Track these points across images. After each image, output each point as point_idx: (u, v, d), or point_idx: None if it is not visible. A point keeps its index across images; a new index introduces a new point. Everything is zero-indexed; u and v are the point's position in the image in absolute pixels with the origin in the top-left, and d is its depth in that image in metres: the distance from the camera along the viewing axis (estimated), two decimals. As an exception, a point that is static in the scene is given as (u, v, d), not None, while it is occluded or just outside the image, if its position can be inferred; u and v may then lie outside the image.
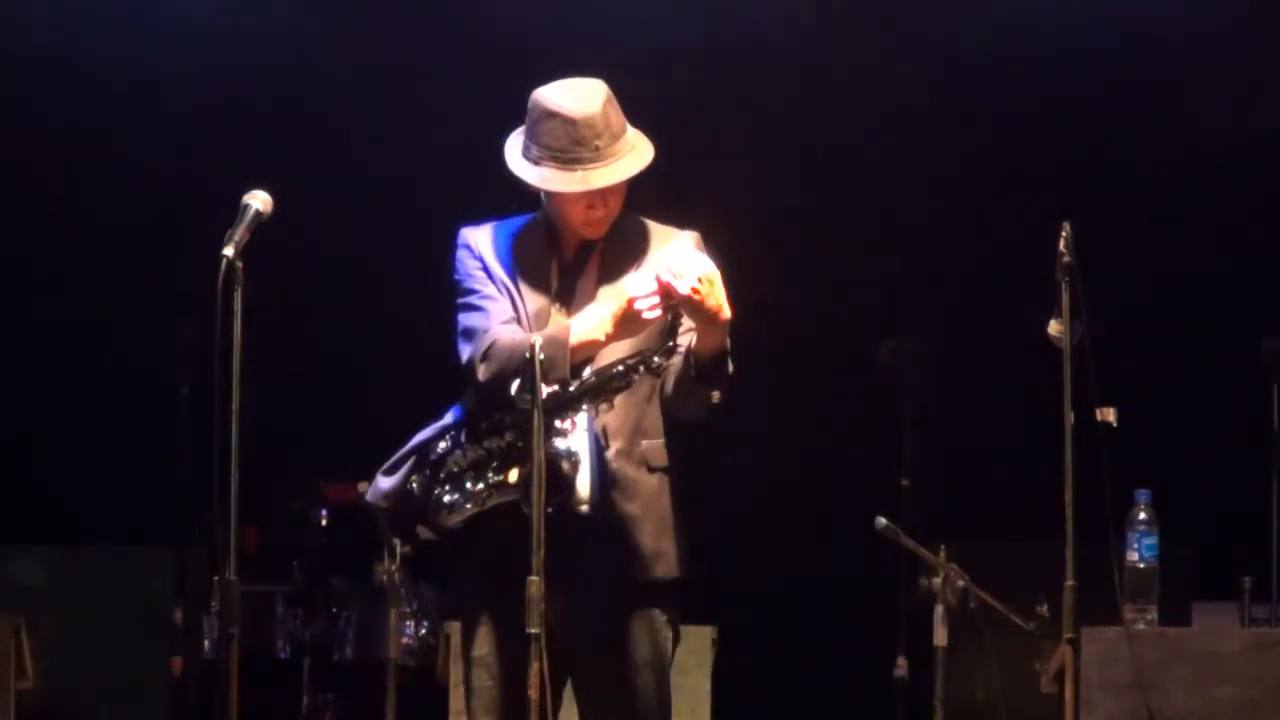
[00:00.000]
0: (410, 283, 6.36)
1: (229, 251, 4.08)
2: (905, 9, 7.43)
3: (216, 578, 4.08)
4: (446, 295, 4.42)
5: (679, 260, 4.11)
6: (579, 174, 4.24)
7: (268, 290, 4.28)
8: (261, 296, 4.13)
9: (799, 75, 7.39)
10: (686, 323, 4.22)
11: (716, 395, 4.22)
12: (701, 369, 4.19)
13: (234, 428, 4.03)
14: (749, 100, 7.42)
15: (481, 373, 4.24)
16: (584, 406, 4.17)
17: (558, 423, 4.10)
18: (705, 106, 7.32)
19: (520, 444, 4.16)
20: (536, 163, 4.28)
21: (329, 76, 7.46)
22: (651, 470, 4.31)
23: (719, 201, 5.35)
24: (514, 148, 4.34)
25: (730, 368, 4.23)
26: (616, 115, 4.30)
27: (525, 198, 4.37)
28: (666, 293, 4.09)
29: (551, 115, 4.25)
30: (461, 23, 7.46)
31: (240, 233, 4.13)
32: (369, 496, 4.34)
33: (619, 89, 4.35)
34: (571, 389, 4.15)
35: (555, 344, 4.12)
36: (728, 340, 4.20)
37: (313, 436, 7.42)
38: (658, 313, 4.13)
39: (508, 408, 4.17)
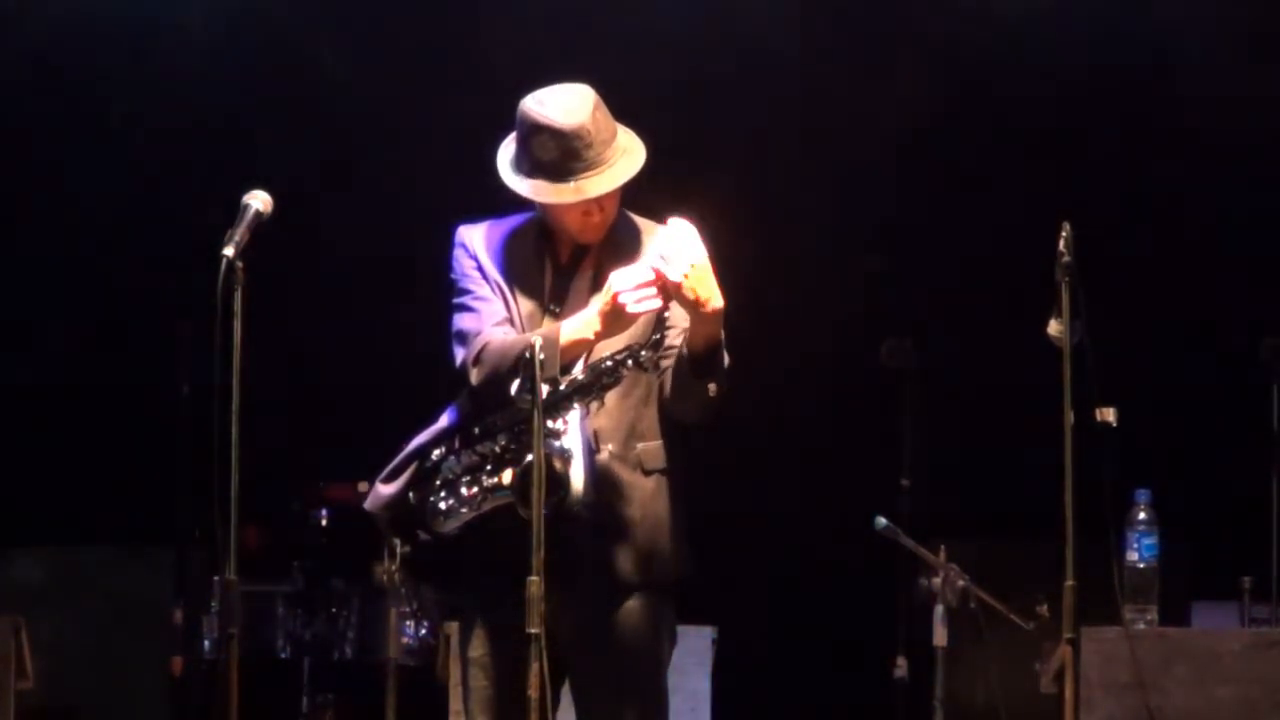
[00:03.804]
0: (410, 282, 6.37)
1: (229, 251, 4.09)
2: (906, 8, 7.43)
3: (216, 578, 4.08)
4: (445, 294, 4.42)
5: (670, 247, 4.10)
6: (572, 185, 4.23)
7: (268, 290, 4.28)
8: (261, 296, 4.13)
9: (799, 74, 7.39)
10: (677, 319, 4.22)
11: (714, 388, 4.21)
12: (696, 360, 4.18)
13: (234, 428, 4.03)
14: (748, 99, 7.42)
15: (474, 376, 4.24)
16: (575, 404, 4.16)
17: (550, 422, 4.09)
18: (704, 105, 7.33)
19: (513, 446, 4.17)
20: (529, 175, 4.26)
21: (329, 76, 7.46)
22: (648, 473, 4.30)
23: (717, 201, 5.35)
24: (505, 158, 4.32)
25: (726, 360, 4.22)
26: (606, 121, 4.28)
27: (521, 198, 4.36)
28: (660, 280, 4.08)
29: (541, 129, 4.23)
30: (461, 21, 7.46)
31: (240, 233, 4.13)
32: (368, 505, 4.34)
33: (617, 88, 4.35)
34: (562, 387, 4.14)
35: (547, 343, 4.11)
36: (721, 331, 4.19)
37: (313, 436, 7.42)
38: (644, 306, 4.11)
39: (501, 410, 4.18)
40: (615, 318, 4.15)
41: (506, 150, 4.33)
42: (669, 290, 4.09)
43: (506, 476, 4.16)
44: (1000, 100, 7.36)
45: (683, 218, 4.18)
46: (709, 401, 4.22)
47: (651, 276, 4.10)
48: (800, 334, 7.30)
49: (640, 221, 4.38)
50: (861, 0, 7.44)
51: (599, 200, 4.26)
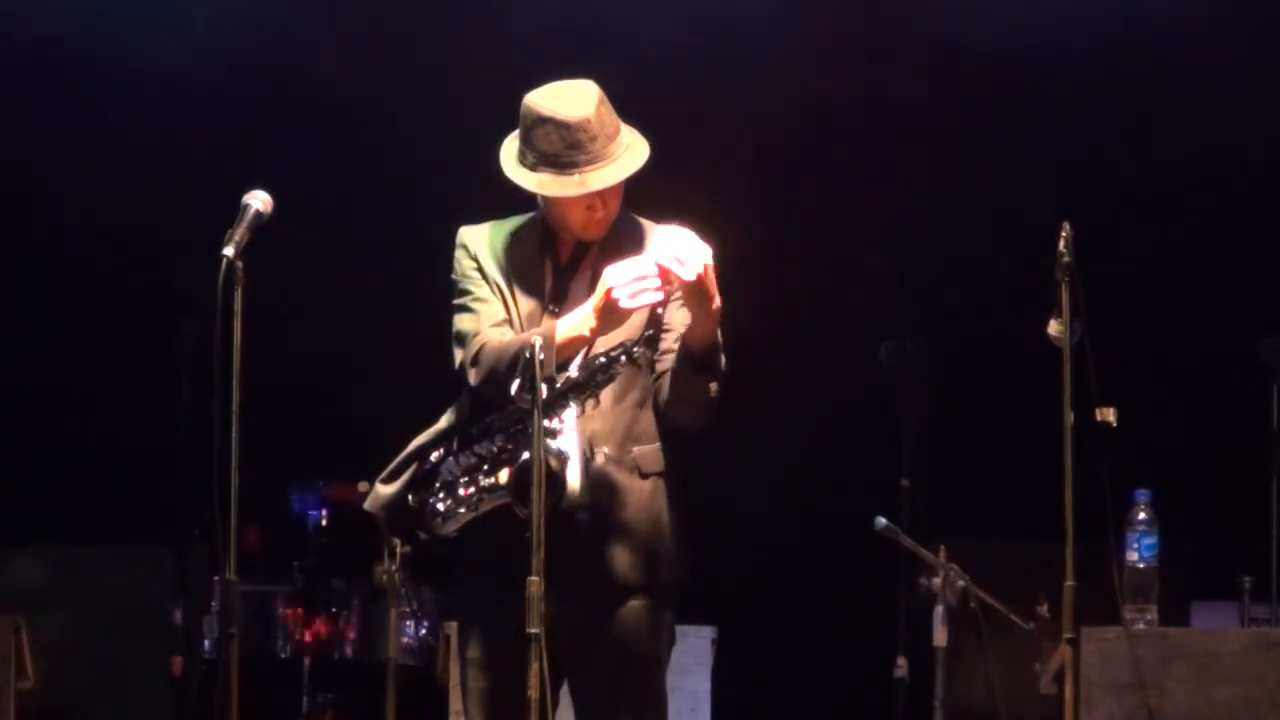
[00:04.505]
0: (410, 282, 6.37)
1: (229, 251, 4.09)
2: (906, 7, 7.43)
3: (216, 578, 4.08)
4: (446, 294, 4.42)
5: (681, 246, 4.09)
6: (576, 177, 4.23)
7: (268, 290, 4.28)
8: (262, 296, 4.13)
9: (799, 74, 7.39)
10: (674, 323, 4.22)
11: (714, 387, 4.21)
12: (696, 359, 4.18)
13: (234, 428, 4.03)
14: (748, 99, 7.42)
15: (473, 377, 4.24)
16: (570, 402, 4.16)
17: (546, 422, 4.08)
18: (705, 105, 7.32)
19: (510, 446, 4.17)
20: (533, 168, 4.26)
21: (329, 76, 7.47)
22: (644, 476, 4.30)
23: (718, 201, 5.35)
24: (509, 153, 4.32)
25: (723, 361, 4.22)
26: (610, 115, 4.29)
27: (523, 197, 4.36)
28: (665, 278, 4.07)
29: (544, 121, 4.23)
30: (462, 22, 7.46)
31: (240, 233, 4.13)
32: (367, 506, 4.34)
33: (619, 87, 4.35)
34: (558, 385, 4.14)
35: (544, 342, 4.10)
36: (719, 329, 4.19)
37: (313, 436, 7.42)
38: (638, 301, 4.10)
39: (498, 411, 4.18)
40: (609, 313, 4.14)
41: (510, 145, 4.33)
42: (675, 285, 4.08)
43: (503, 476, 4.17)
44: (1000, 100, 7.36)
45: (680, 226, 4.18)
46: (709, 401, 4.22)
47: (644, 271, 4.09)
48: (800, 334, 7.30)
49: (642, 221, 4.38)
50: (863, 0, 7.44)
51: (602, 195, 4.26)
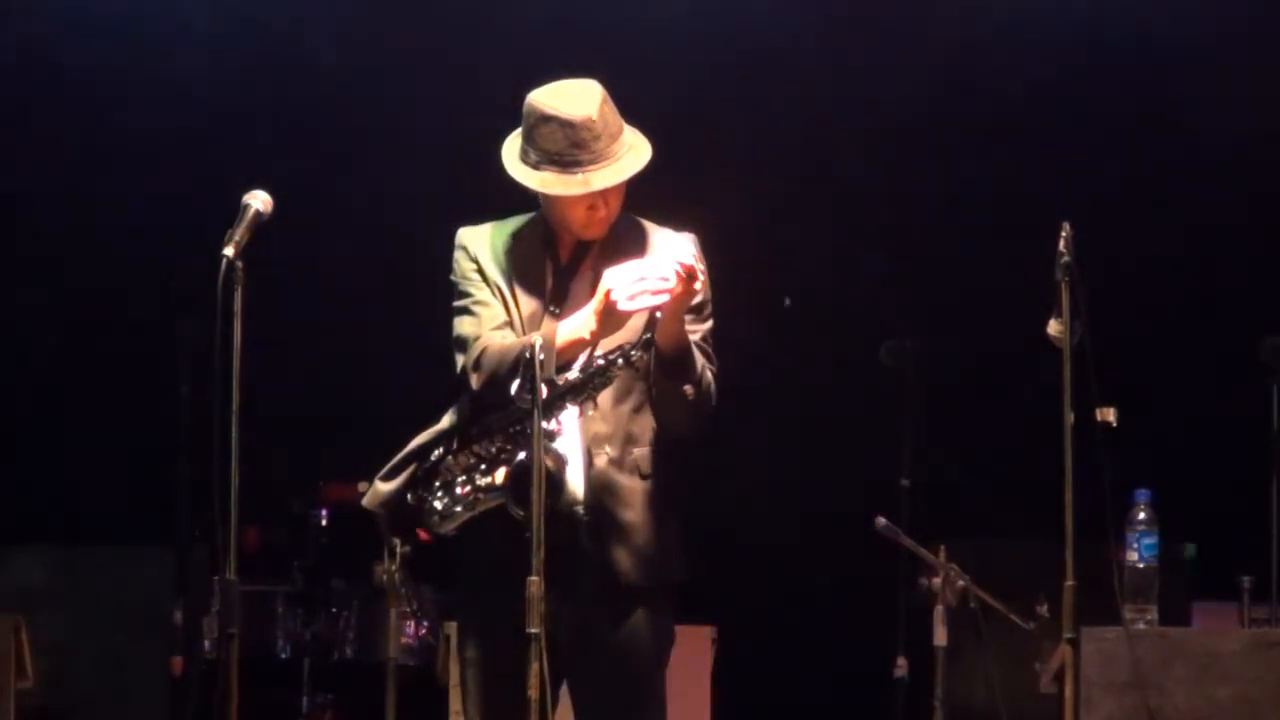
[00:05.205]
0: (410, 282, 6.36)
1: (229, 251, 4.08)
2: (906, 9, 7.43)
3: (216, 578, 4.07)
4: (446, 294, 4.42)
5: (688, 256, 4.09)
6: (580, 176, 4.23)
7: (268, 290, 4.28)
8: (262, 296, 4.13)
9: (799, 75, 7.40)
10: None
11: (689, 390, 4.20)
12: (667, 364, 4.19)
13: (234, 428, 4.03)
14: (749, 100, 7.43)
15: (474, 381, 4.24)
16: (569, 404, 4.16)
17: (544, 424, 4.08)
18: (705, 106, 7.33)
19: (508, 447, 4.17)
20: (536, 167, 4.26)
21: (329, 76, 7.47)
22: (645, 477, 4.30)
23: (718, 202, 5.36)
24: (511, 151, 4.32)
25: (699, 361, 4.22)
26: (613, 115, 4.29)
27: (522, 198, 4.36)
28: (682, 282, 4.07)
29: (548, 119, 4.23)
30: (462, 22, 7.46)
31: (240, 233, 4.13)
32: (366, 502, 4.34)
33: (620, 88, 4.35)
34: (558, 385, 4.14)
35: (544, 344, 4.10)
36: (686, 331, 4.19)
37: (313, 436, 7.42)
38: (637, 303, 4.11)
39: (498, 412, 4.18)
40: (609, 316, 4.15)
41: (512, 144, 4.33)
42: (687, 291, 4.08)
43: (499, 477, 4.17)
44: (1000, 99, 7.36)
45: (690, 229, 4.19)
46: (687, 404, 4.22)
47: (644, 273, 4.09)
48: (800, 334, 7.30)
49: (643, 222, 4.38)
50: (861, 0, 7.45)
51: (604, 195, 4.26)
